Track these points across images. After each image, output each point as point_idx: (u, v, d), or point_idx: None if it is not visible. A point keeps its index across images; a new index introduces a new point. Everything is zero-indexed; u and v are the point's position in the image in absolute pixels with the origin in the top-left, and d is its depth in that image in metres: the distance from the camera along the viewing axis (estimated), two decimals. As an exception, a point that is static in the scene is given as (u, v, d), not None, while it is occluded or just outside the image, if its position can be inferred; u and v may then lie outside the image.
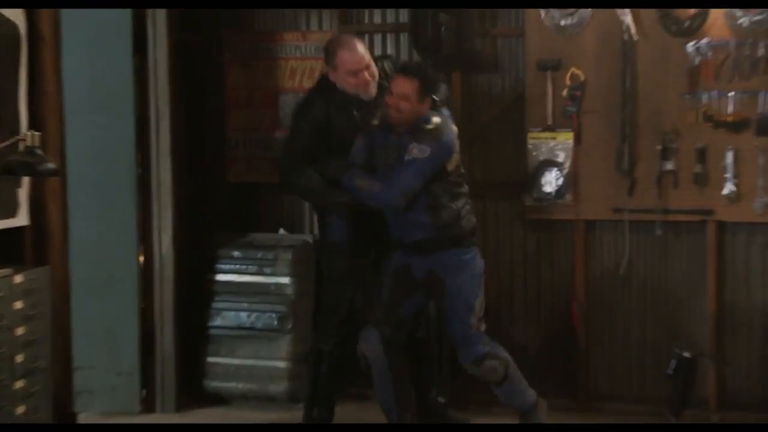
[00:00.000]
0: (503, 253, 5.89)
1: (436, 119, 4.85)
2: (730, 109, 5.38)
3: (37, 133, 4.45)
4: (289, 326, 5.64)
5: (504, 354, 4.92)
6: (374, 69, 5.02)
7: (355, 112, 5.01)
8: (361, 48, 5.03)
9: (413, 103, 4.75)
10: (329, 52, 5.07)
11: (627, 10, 5.40)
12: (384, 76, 5.10)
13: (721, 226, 5.52)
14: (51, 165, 4.41)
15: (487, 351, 4.85)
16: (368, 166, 4.95)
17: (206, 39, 6.24)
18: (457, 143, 4.86)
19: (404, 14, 5.89)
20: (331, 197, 5.02)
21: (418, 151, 4.77)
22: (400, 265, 4.90)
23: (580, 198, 5.67)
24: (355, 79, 4.95)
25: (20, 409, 4.28)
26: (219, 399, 5.84)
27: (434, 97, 4.89)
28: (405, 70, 4.90)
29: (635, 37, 5.46)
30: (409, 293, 4.94)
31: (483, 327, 4.92)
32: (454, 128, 4.91)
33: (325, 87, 5.11)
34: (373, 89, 5.01)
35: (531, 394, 5.00)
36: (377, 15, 6.04)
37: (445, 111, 4.94)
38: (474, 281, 4.90)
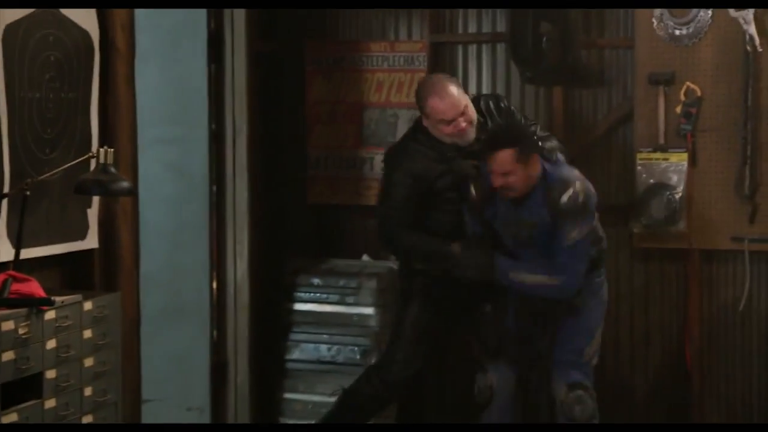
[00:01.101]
0: (608, 285, 5.71)
1: (570, 192, 4.67)
2: None
3: (110, 150, 4.46)
4: (373, 360, 5.61)
5: (593, 401, 4.88)
6: (472, 112, 4.84)
7: (449, 153, 4.90)
8: (454, 91, 4.84)
9: (521, 174, 4.63)
10: (420, 97, 4.94)
11: (750, 18, 5.34)
12: (488, 116, 4.99)
13: None
14: (125, 184, 4.45)
15: (587, 383, 4.77)
16: (484, 240, 4.88)
17: (287, 48, 6.25)
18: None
19: (502, 23, 5.91)
20: (438, 263, 4.93)
21: (577, 233, 4.68)
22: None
23: (695, 225, 5.59)
24: (450, 128, 4.80)
25: None
26: (296, 438, 5.84)
27: (543, 146, 4.81)
28: (493, 142, 4.77)
29: (759, 49, 5.36)
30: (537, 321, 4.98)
31: (595, 361, 4.86)
32: (578, 174, 4.82)
33: (419, 133, 5.00)
34: (471, 135, 4.84)
35: None
36: (472, 23, 6.06)
37: (560, 157, 4.87)
38: (600, 307, 4.89)
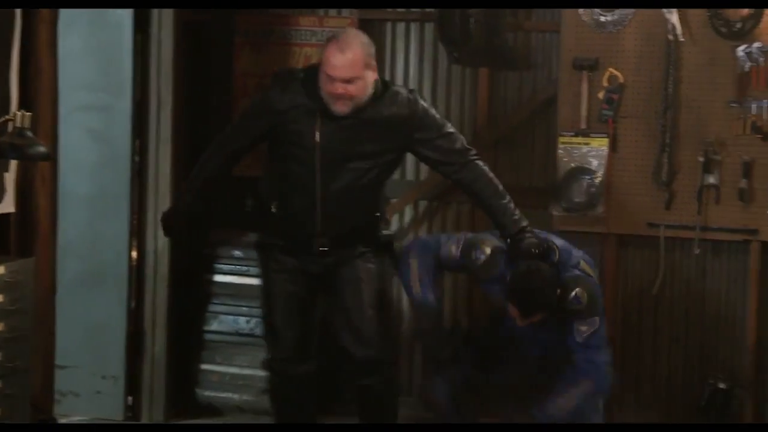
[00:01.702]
0: None
1: (578, 291, 4.53)
2: None
3: (28, 114, 4.45)
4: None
5: None
6: (361, 89, 4.39)
7: (320, 118, 4.48)
8: (358, 54, 4.40)
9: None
10: (327, 40, 4.61)
11: (674, 9, 5.43)
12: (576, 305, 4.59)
13: (766, 247, 5.50)
14: (42, 148, 4.43)
15: None
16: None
17: (216, 19, 6.22)
18: None
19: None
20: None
21: (588, 327, 4.58)
22: None
23: (613, 210, 5.65)
24: (328, 86, 4.40)
25: None
26: (212, 410, 5.90)
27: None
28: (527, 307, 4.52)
29: (681, 39, 5.43)
30: None
31: None
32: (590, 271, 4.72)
33: (306, 76, 4.60)
34: (343, 108, 4.41)
35: None
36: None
37: (578, 272, 4.63)
38: None
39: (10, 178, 4.72)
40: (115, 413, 5.82)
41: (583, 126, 5.61)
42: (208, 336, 5.98)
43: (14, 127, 4.36)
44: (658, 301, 5.74)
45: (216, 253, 6.04)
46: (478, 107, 5.94)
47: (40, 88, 4.89)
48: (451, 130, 4.68)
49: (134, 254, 5.88)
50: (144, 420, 5.93)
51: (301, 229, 4.60)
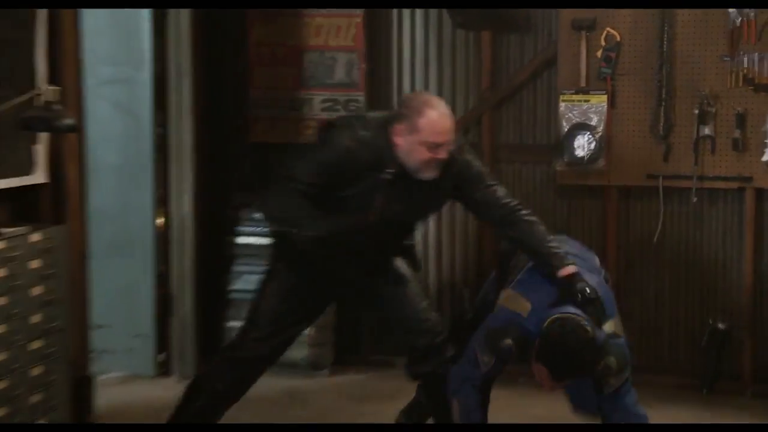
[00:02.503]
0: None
1: (611, 361, 4.06)
2: None
3: (55, 88, 4.47)
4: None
5: None
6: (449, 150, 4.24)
7: (392, 178, 4.25)
8: (450, 115, 4.26)
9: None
10: (410, 106, 4.26)
11: None
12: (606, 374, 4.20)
13: (760, 193, 5.56)
14: (69, 121, 4.40)
15: None
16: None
17: None
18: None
19: None
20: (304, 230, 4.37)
21: (616, 380, 4.13)
22: None
23: (613, 163, 5.72)
24: (429, 154, 4.15)
25: (36, 371, 4.38)
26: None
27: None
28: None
29: None
30: None
31: None
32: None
33: (378, 139, 4.28)
34: (435, 173, 4.21)
35: None
36: None
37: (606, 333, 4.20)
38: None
39: (40, 150, 4.73)
40: (147, 369, 5.94)
41: (583, 84, 5.68)
42: (233, 295, 6.04)
43: (42, 102, 4.39)
44: (658, 248, 5.75)
45: (237, 216, 6.08)
46: (483, 69, 5.96)
47: (65, 64, 4.88)
48: (494, 182, 4.45)
49: (161, 220, 5.96)
50: (174, 375, 5.95)
51: (333, 261, 4.48)
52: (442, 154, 4.15)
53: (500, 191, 4.45)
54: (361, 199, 4.31)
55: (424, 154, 4.14)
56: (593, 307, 4.07)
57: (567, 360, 3.93)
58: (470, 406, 4.24)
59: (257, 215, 5.96)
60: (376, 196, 4.30)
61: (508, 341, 4.05)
